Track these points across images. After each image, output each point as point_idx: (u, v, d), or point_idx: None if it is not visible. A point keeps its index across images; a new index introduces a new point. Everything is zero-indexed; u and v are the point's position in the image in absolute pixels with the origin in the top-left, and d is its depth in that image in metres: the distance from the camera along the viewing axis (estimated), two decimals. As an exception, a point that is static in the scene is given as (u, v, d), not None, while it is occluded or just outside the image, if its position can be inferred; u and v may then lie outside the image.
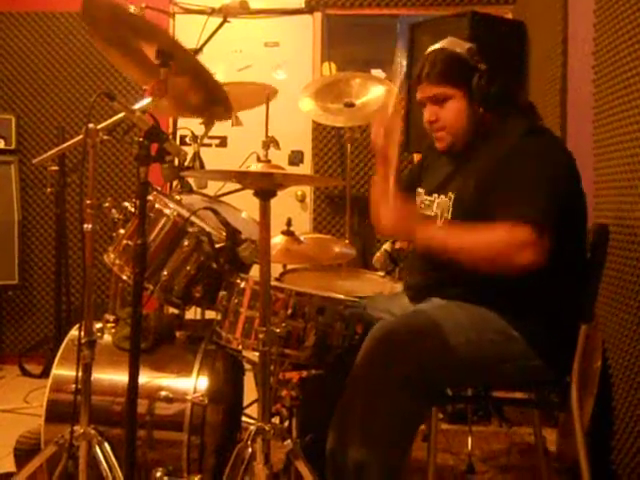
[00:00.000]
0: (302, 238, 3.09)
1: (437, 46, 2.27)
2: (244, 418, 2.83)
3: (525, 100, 2.40)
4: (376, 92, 3.80)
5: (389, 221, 2.10)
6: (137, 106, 2.03)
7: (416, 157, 4.60)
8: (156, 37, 2.06)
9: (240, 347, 2.23)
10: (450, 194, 2.24)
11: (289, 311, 2.15)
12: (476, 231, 2.04)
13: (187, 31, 4.50)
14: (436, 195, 2.30)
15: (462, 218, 2.16)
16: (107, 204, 2.44)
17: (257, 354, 2.02)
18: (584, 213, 2.20)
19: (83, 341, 2.13)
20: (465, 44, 2.25)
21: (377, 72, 4.88)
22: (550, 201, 2.03)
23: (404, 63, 4.43)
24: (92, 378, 2.15)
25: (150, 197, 2.35)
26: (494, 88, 2.20)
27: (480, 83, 2.19)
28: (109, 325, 2.49)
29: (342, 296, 2.36)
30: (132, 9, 2.41)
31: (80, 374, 2.12)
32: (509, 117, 2.24)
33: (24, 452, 2.61)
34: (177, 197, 2.66)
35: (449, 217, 2.22)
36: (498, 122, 2.24)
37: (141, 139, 1.96)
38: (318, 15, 4.98)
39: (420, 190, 2.40)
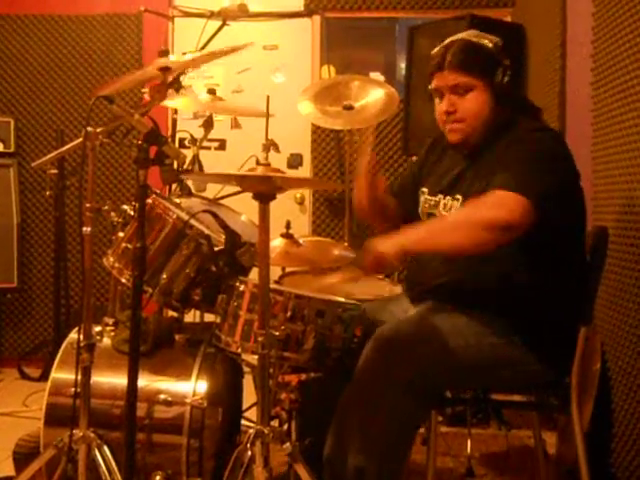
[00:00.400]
0: (301, 241, 3.09)
1: (459, 36, 2.23)
2: (243, 421, 2.83)
3: (532, 103, 2.39)
4: (375, 95, 3.79)
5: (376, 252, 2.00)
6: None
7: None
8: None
9: (239, 350, 2.23)
10: (458, 196, 2.21)
11: (288, 314, 2.15)
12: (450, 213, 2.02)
13: (186, 34, 4.53)
14: (442, 196, 2.27)
15: None
16: (106, 207, 2.43)
17: (256, 357, 2.02)
18: (583, 214, 2.19)
19: (82, 344, 2.13)
20: (492, 37, 2.21)
21: (376, 75, 4.88)
22: (540, 178, 1.99)
23: (402, 66, 4.44)
24: (91, 381, 2.15)
25: (149, 200, 2.35)
26: (513, 84, 2.18)
27: (503, 79, 2.16)
28: (108, 328, 2.49)
29: (341, 299, 2.36)
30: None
31: (79, 377, 2.12)
32: (520, 117, 2.21)
33: (23, 455, 2.61)
34: (176, 200, 2.66)
35: None
36: (509, 122, 2.20)
37: (140, 142, 1.96)
38: (317, 18, 4.98)
39: (424, 189, 2.36)
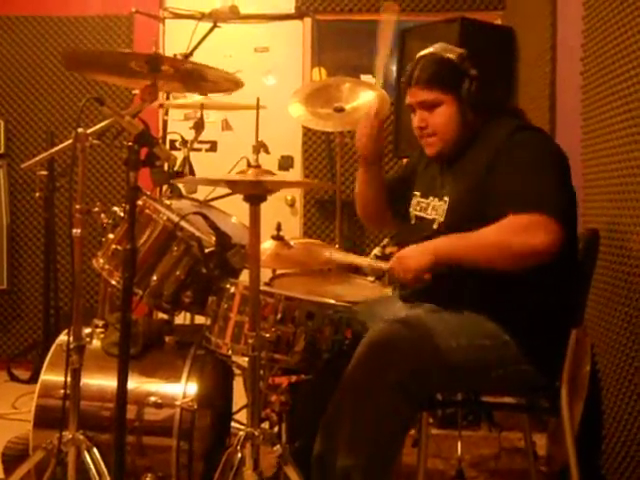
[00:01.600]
0: (292, 243, 3.08)
1: (427, 51, 2.26)
2: (233, 423, 2.83)
3: (513, 105, 2.41)
4: (366, 97, 3.79)
5: (408, 265, 2.07)
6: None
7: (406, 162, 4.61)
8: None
9: (229, 352, 2.23)
10: (445, 198, 2.24)
11: (279, 316, 2.15)
12: (480, 231, 2.03)
13: (177, 36, 4.51)
14: (432, 197, 2.30)
15: (457, 222, 2.15)
16: (96, 209, 2.43)
17: (246, 359, 2.02)
18: (575, 215, 2.20)
19: (72, 346, 2.13)
20: (456, 49, 2.24)
21: (367, 77, 4.88)
22: (555, 187, 2.02)
23: (393, 68, 4.44)
24: (81, 383, 2.14)
25: (139, 202, 2.35)
26: (484, 94, 2.20)
27: (470, 89, 2.18)
28: (98, 330, 2.48)
29: (332, 301, 2.36)
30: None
31: (69, 379, 2.12)
32: (495, 119, 2.23)
33: (12, 458, 2.60)
34: (167, 202, 2.65)
35: (442, 220, 2.22)
36: (485, 125, 2.23)
37: (131, 144, 1.95)
38: (308, 20, 4.98)
39: (416, 192, 2.40)
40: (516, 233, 1.98)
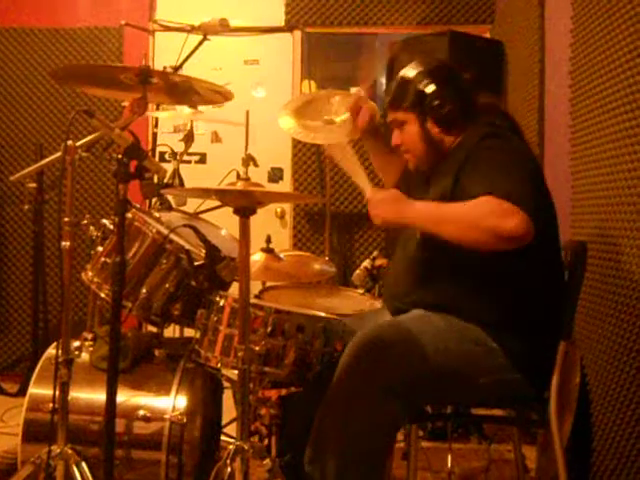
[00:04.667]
0: (282, 255, 3.08)
1: (401, 72, 2.33)
2: (223, 437, 2.81)
3: (499, 110, 2.41)
4: (355, 110, 3.80)
5: (378, 211, 2.11)
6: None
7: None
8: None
9: (219, 365, 2.22)
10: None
11: (268, 329, 2.15)
12: (457, 204, 2.02)
13: (167, 49, 4.53)
14: None
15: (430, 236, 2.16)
16: (85, 221, 2.43)
17: (236, 372, 2.01)
18: (555, 220, 2.20)
19: (60, 359, 2.12)
20: (418, 67, 2.28)
21: (356, 90, 4.90)
22: (526, 187, 1.99)
23: (382, 81, 4.46)
24: (69, 397, 2.13)
25: (129, 214, 2.34)
26: (446, 108, 2.22)
27: (430, 105, 2.22)
28: (87, 343, 2.47)
29: (322, 313, 2.36)
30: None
31: (57, 393, 2.11)
32: (468, 130, 2.25)
33: (0, 472, 2.58)
34: (156, 214, 2.65)
35: (418, 236, 2.23)
36: (458, 138, 2.26)
37: (120, 156, 1.95)
38: (298, 33, 5.00)
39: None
40: (491, 213, 1.94)
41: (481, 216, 1.96)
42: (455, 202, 2.05)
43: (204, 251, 2.34)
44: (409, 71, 2.29)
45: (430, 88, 2.23)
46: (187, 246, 2.36)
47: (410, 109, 2.26)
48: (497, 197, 1.94)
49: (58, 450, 2.12)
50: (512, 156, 2.10)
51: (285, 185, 5.00)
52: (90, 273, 2.42)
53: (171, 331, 2.85)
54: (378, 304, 2.83)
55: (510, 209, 1.92)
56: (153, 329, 2.59)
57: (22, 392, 4.29)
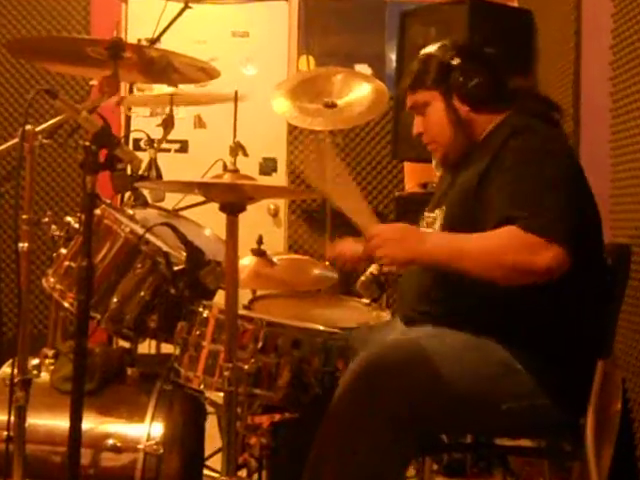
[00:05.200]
0: (275, 259, 3.09)
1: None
2: (206, 471, 2.82)
3: (535, 94, 2.42)
4: (361, 91, 3.81)
5: (386, 251, 2.10)
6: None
7: (406, 165, 4.63)
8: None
9: (202, 387, 2.22)
10: (443, 207, 2.28)
11: (259, 344, 2.15)
12: (479, 238, 2.04)
13: (142, 18, 4.54)
14: (437, 210, 2.33)
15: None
16: (46, 219, 2.43)
17: (222, 395, 2.01)
18: (599, 224, 2.21)
19: (16, 380, 2.12)
20: (440, 43, 2.33)
21: (362, 67, 4.91)
22: (558, 199, 2.02)
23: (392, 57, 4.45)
24: (27, 423, 2.13)
25: (97, 211, 2.35)
26: (474, 81, 2.24)
27: (455, 77, 2.25)
28: (47, 361, 2.47)
29: (321, 327, 2.36)
30: None
31: (12, 419, 2.11)
32: (500, 118, 2.27)
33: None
34: (129, 211, 2.65)
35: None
36: (489, 124, 2.28)
37: (88, 143, 1.95)
38: (294, 1, 5.01)
39: (426, 207, 2.44)
40: (516, 249, 1.98)
41: (506, 252, 1.99)
42: (478, 211, 2.09)
43: (185, 254, 2.34)
44: (430, 48, 2.32)
45: (456, 60, 2.25)
46: (165, 248, 2.36)
47: (433, 86, 2.27)
48: (524, 228, 1.97)
49: (14, 485, 2.12)
50: (544, 162, 2.10)
51: (279, 178, 5.02)
52: (52, 279, 2.42)
53: (146, 347, 2.85)
54: (386, 316, 2.84)
55: (539, 244, 1.95)
56: (125, 344, 2.59)
57: (-28, 417, 4.30)
